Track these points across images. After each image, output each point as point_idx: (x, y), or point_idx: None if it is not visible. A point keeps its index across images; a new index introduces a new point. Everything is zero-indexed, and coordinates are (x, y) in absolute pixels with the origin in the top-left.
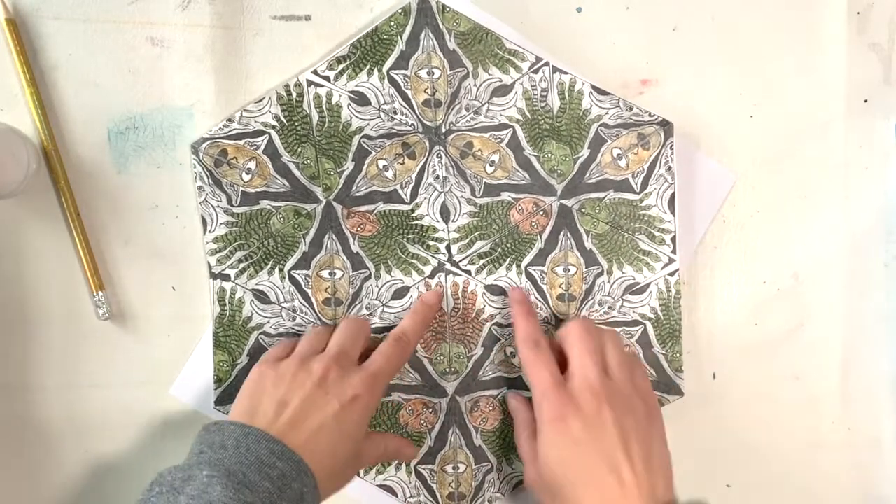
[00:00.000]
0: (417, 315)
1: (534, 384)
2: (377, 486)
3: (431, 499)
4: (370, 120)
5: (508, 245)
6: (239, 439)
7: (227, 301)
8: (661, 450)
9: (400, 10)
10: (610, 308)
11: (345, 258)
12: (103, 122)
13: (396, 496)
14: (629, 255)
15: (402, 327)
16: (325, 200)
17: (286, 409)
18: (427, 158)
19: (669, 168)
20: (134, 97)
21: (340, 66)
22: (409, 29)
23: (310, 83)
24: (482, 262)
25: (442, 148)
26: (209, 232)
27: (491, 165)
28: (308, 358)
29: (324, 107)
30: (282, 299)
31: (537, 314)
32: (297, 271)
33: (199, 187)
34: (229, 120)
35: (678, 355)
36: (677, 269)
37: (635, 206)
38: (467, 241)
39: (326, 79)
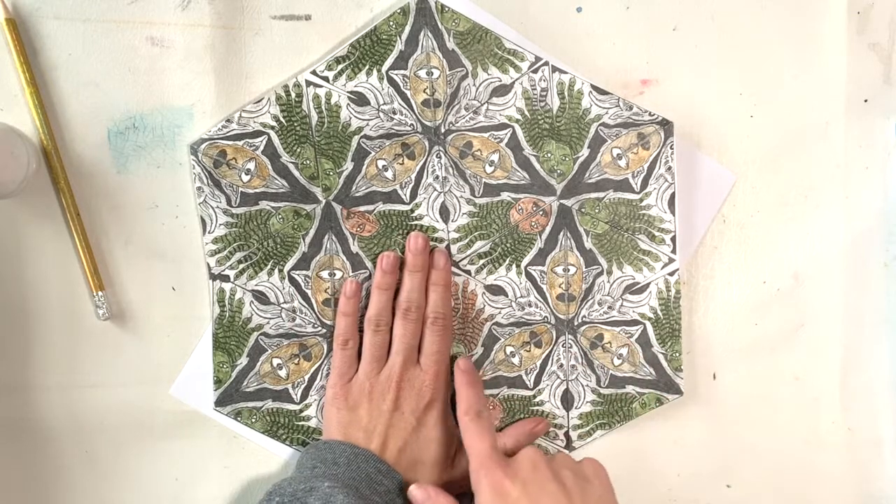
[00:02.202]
0: (438, 286)
1: (472, 453)
2: None
3: None
4: (369, 120)
5: (508, 245)
6: (350, 458)
7: (226, 302)
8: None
9: (399, 10)
10: (609, 308)
11: (344, 258)
12: (103, 122)
13: None
14: (629, 254)
15: (432, 308)
16: (324, 201)
17: (373, 436)
18: (426, 158)
19: (669, 168)
20: (134, 97)
21: (339, 67)
22: (407, 29)
23: (309, 83)
24: (482, 262)
25: (441, 148)
26: (209, 233)
27: (490, 165)
28: (375, 375)
29: (323, 107)
30: (281, 300)
31: (482, 384)
32: (297, 272)
33: (199, 188)
34: (228, 121)
35: (678, 355)
36: (677, 269)
37: (635, 206)
38: (467, 241)
39: (325, 79)
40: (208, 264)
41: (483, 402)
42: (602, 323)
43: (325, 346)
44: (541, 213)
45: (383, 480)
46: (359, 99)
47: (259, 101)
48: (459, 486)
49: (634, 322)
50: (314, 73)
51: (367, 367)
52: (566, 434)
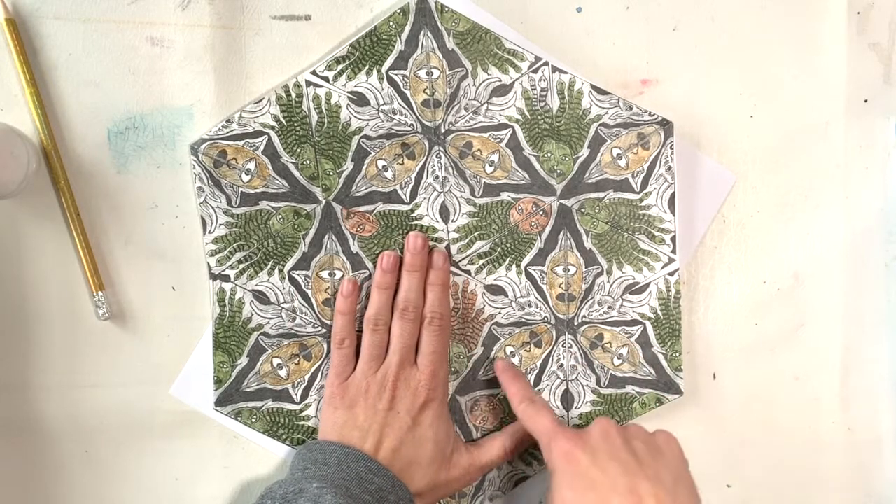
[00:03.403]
0: (435, 286)
1: (538, 433)
2: None
3: None
4: (369, 120)
5: (508, 245)
6: (340, 458)
7: (226, 302)
8: (685, 477)
9: (399, 11)
10: (609, 308)
11: (344, 258)
12: (103, 122)
13: None
14: (629, 254)
15: (430, 307)
16: (324, 201)
17: (369, 435)
18: (426, 158)
19: (669, 168)
20: (134, 97)
21: (339, 67)
22: (407, 29)
23: (309, 84)
24: (482, 262)
25: (441, 148)
26: (209, 233)
27: (490, 165)
28: (372, 375)
29: (323, 107)
30: (281, 300)
31: (524, 375)
32: (297, 272)
33: (199, 188)
34: (228, 121)
35: (678, 355)
36: (677, 269)
37: (635, 206)
38: (467, 241)
39: (325, 79)
40: (208, 264)
41: (531, 389)
42: (602, 323)
43: (325, 346)
44: (541, 213)
45: (374, 479)
46: (359, 99)
47: (259, 102)
48: (457, 485)
49: (634, 322)
50: (314, 73)
51: (365, 367)
52: None
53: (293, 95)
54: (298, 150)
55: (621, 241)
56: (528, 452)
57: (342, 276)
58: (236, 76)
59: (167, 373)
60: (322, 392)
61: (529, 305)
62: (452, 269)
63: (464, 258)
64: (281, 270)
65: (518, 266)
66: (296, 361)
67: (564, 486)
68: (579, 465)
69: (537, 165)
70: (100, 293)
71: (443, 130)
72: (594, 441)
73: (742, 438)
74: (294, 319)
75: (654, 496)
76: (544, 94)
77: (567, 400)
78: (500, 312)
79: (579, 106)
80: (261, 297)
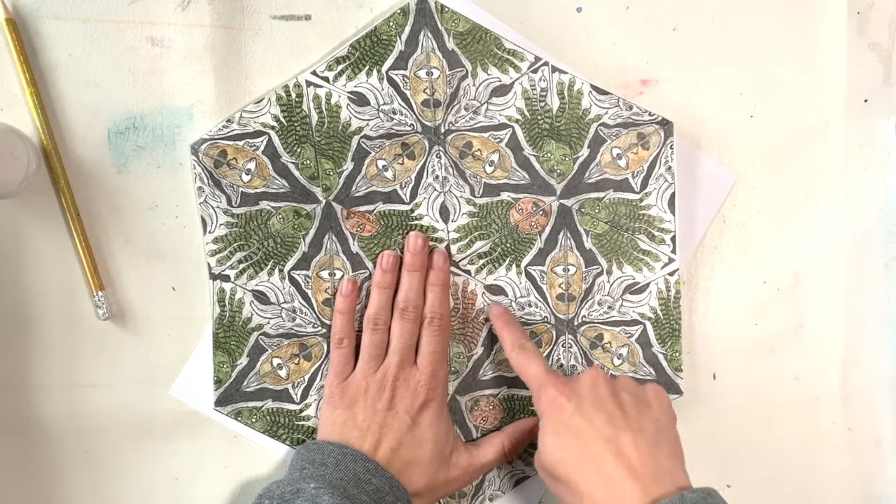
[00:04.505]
0: (435, 286)
1: (529, 380)
2: None
3: None
4: (369, 120)
5: (508, 245)
6: (338, 458)
7: (226, 302)
8: (670, 431)
9: (399, 11)
10: (609, 308)
11: (344, 258)
12: (103, 122)
13: None
14: (629, 254)
15: (429, 307)
16: (324, 201)
17: (368, 435)
18: (426, 158)
19: (669, 168)
20: (134, 97)
21: (339, 67)
22: (407, 29)
23: (309, 84)
24: (482, 262)
25: (441, 148)
26: (209, 233)
27: (490, 165)
28: (372, 374)
29: (323, 107)
30: (282, 300)
31: (517, 322)
32: (297, 272)
33: (199, 188)
34: (229, 121)
35: (678, 355)
36: (677, 269)
37: (635, 206)
38: (467, 241)
39: (325, 79)
40: (209, 264)
41: (524, 336)
42: (602, 323)
43: (325, 346)
44: (541, 213)
45: (371, 479)
46: (359, 99)
47: (259, 102)
48: (456, 485)
49: (634, 322)
50: (314, 73)
51: (365, 366)
52: None
53: (293, 95)
54: (298, 150)
55: (621, 241)
56: (527, 452)
57: (342, 276)
58: (236, 76)
59: (167, 373)
60: (322, 392)
61: (529, 305)
62: (452, 269)
63: (464, 258)
64: (281, 270)
65: (518, 266)
66: (296, 361)
67: (549, 432)
68: (564, 412)
69: (537, 165)
70: (100, 293)
71: (443, 130)
72: (582, 390)
73: (742, 438)
74: (294, 319)
75: (634, 445)
76: (544, 94)
77: None
78: None
79: (579, 106)
80: (261, 297)
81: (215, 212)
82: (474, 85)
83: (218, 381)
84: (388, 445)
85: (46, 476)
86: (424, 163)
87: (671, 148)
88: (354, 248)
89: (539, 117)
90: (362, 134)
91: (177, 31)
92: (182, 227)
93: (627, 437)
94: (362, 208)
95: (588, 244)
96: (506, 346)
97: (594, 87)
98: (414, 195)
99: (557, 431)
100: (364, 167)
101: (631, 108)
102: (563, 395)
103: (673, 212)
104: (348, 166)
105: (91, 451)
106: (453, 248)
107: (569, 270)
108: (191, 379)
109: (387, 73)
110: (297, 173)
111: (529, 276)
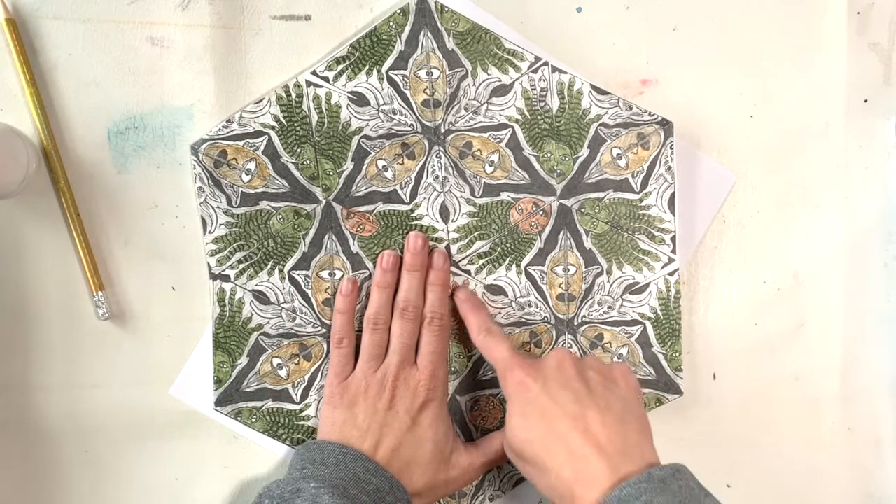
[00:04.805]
0: (435, 286)
1: (496, 363)
2: None
3: None
4: (369, 120)
5: (508, 245)
6: (338, 458)
7: (226, 302)
8: (637, 408)
9: (399, 11)
10: (609, 308)
11: (344, 258)
12: (103, 122)
13: None
14: (629, 254)
15: (429, 307)
16: (324, 201)
17: (367, 435)
18: (426, 158)
19: (669, 168)
20: (134, 97)
21: (339, 67)
22: (407, 29)
23: (309, 84)
24: (482, 262)
25: (441, 148)
26: (209, 233)
27: (490, 165)
28: (372, 374)
29: (323, 107)
30: (282, 300)
31: (485, 306)
32: (297, 272)
33: (199, 188)
34: (229, 121)
35: (677, 355)
36: (677, 269)
37: (635, 206)
38: (467, 241)
39: (325, 79)
40: (209, 264)
41: (490, 319)
42: (602, 323)
43: (325, 346)
44: (541, 213)
45: (371, 479)
46: (359, 99)
47: (259, 102)
48: (456, 485)
49: (634, 322)
50: (314, 73)
51: (365, 366)
52: None
53: (293, 95)
54: (298, 150)
55: (621, 241)
56: None
57: (342, 276)
58: (236, 76)
59: (167, 373)
60: (322, 392)
61: (529, 305)
62: (452, 269)
63: (464, 258)
64: (281, 270)
65: (518, 266)
66: (296, 361)
67: (516, 413)
68: (530, 392)
69: (537, 165)
70: (100, 293)
71: (443, 130)
72: (547, 371)
73: (742, 438)
74: (294, 319)
75: (601, 423)
76: (544, 94)
77: None
78: (500, 312)
79: (579, 106)
80: (261, 296)
81: (215, 212)
82: (474, 85)
83: (218, 381)
84: (388, 445)
85: (46, 476)
86: (424, 163)
87: (671, 148)
88: (354, 248)
89: (539, 117)
90: (362, 134)
91: (177, 31)
92: (182, 227)
93: (594, 414)
94: (362, 208)
95: (588, 244)
96: (472, 330)
97: (594, 87)
98: (414, 195)
99: (524, 412)
100: (364, 167)
101: (631, 108)
102: (529, 376)
103: (673, 212)
104: (348, 166)
105: (91, 451)
106: (453, 248)
107: (569, 270)
108: (191, 379)
109: (387, 73)
110: (297, 173)
111: (529, 276)
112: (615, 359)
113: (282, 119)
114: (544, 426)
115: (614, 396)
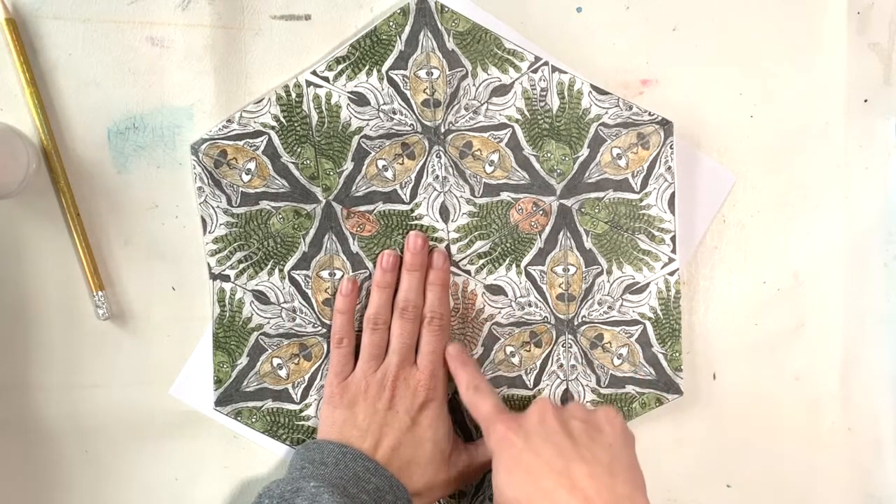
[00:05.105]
0: (435, 286)
1: (480, 420)
2: None
3: None
4: (369, 120)
5: (508, 245)
6: (338, 457)
7: (226, 302)
8: (625, 457)
9: (399, 11)
10: (609, 307)
11: (344, 258)
12: (103, 122)
13: None
14: (629, 254)
15: (429, 307)
16: (324, 201)
17: (367, 434)
18: (426, 158)
19: (669, 167)
20: (134, 97)
21: (339, 67)
22: (407, 29)
23: (309, 84)
24: (482, 262)
25: (441, 148)
26: (209, 232)
27: (490, 165)
28: (372, 374)
29: (323, 107)
30: (282, 300)
31: (475, 361)
32: (297, 272)
33: (199, 188)
34: (229, 121)
35: (677, 354)
36: (677, 269)
37: (635, 206)
38: (467, 241)
39: (325, 79)
40: (209, 264)
41: (479, 377)
42: (602, 323)
43: (325, 346)
44: (541, 212)
45: (371, 479)
46: (359, 99)
47: (259, 102)
48: (456, 485)
49: (634, 322)
50: (314, 73)
51: (364, 366)
52: None
53: (293, 95)
54: (298, 149)
55: (621, 240)
56: None
57: (342, 276)
58: (236, 76)
59: (167, 373)
60: (322, 392)
61: (529, 305)
62: (452, 268)
63: (464, 258)
64: (281, 270)
65: (518, 266)
66: (296, 361)
67: (502, 470)
68: (513, 448)
69: (537, 165)
70: (100, 293)
71: (443, 130)
72: (529, 425)
73: (742, 438)
74: (294, 319)
75: (588, 475)
76: (544, 93)
77: (567, 400)
78: (500, 312)
79: (579, 106)
80: (261, 296)
81: (215, 212)
82: (474, 85)
83: (218, 381)
84: (388, 445)
85: (46, 476)
86: (424, 163)
87: (671, 148)
88: (354, 247)
89: (539, 117)
90: (362, 134)
91: (177, 31)
92: (182, 227)
93: (581, 466)
94: (362, 208)
95: (588, 244)
96: (460, 387)
97: (594, 87)
98: (414, 195)
99: (509, 468)
100: (364, 167)
101: (631, 107)
102: (511, 431)
103: (673, 212)
104: (348, 166)
105: (91, 451)
106: (453, 248)
107: (569, 270)
108: (191, 379)
109: (387, 73)
110: (297, 173)
111: (529, 276)
112: (615, 359)
113: (282, 119)
114: (530, 484)
115: (599, 445)
